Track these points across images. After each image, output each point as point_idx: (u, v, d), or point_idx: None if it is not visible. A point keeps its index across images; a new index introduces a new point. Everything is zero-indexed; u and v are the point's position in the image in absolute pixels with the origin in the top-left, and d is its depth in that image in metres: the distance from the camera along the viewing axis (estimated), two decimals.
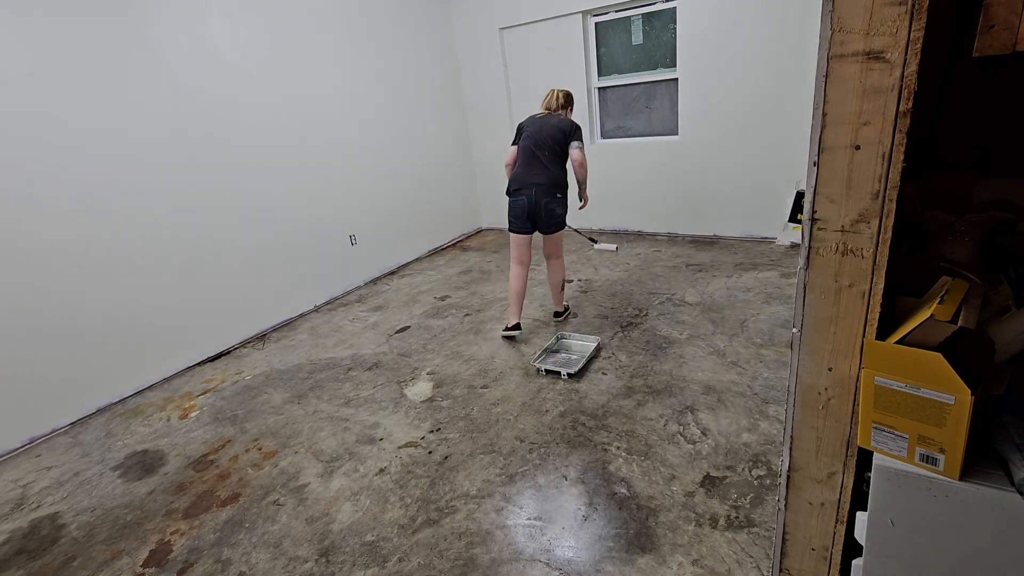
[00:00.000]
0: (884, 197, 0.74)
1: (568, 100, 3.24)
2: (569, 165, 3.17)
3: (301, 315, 4.26)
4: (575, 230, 4.61)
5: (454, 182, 5.84)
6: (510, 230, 3.23)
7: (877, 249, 0.77)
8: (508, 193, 3.17)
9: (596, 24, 4.96)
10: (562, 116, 3.15)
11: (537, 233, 3.25)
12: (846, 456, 0.92)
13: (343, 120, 4.48)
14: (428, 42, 5.28)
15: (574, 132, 3.09)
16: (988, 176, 0.93)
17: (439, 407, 2.74)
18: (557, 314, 3.50)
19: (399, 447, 2.47)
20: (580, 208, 3.42)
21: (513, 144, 3.24)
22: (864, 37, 0.69)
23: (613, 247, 4.72)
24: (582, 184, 3.24)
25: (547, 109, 3.20)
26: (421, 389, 2.94)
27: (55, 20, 2.81)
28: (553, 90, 3.24)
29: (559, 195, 3.11)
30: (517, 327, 3.28)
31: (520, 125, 3.22)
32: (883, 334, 0.80)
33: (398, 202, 5.11)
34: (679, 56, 4.55)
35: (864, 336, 0.82)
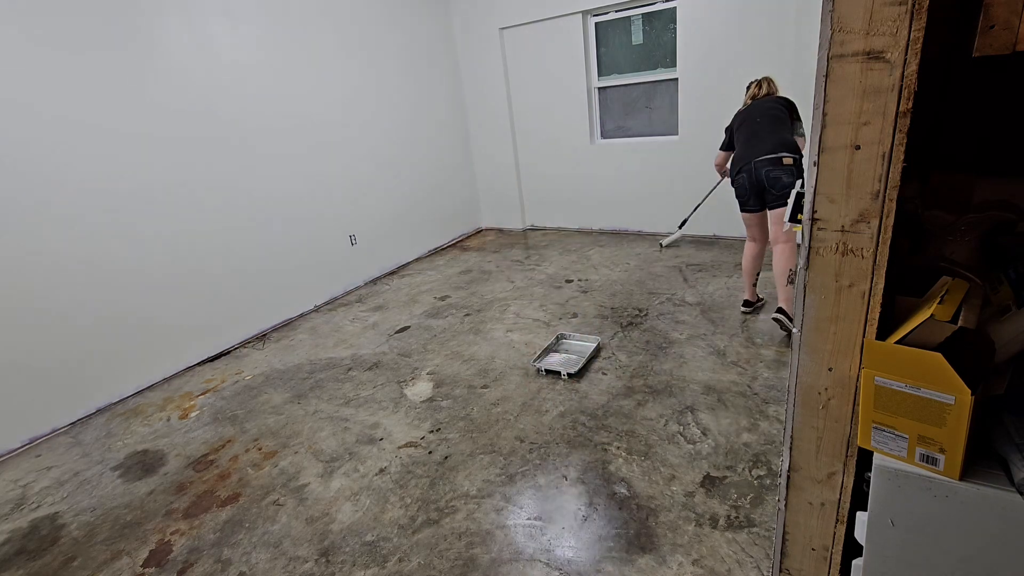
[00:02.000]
0: (884, 197, 0.74)
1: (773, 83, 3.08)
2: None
3: (301, 315, 4.26)
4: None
5: (454, 182, 5.84)
6: (741, 210, 3.07)
7: (877, 249, 0.77)
8: (731, 181, 3.05)
9: (596, 24, 4.96)
10: (779, 101, 2.95)
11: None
12: (846, 456, 0.92)
13: (343, 120, 4.48)
14: (428, 42, 5.28)
15: (795, 111, 2.91)
16: (988, 176, 0.93)
17: (439, 407, 2.74)
18: (779, 310, 2.96)
19: (399, 447, 2.47)
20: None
21: (722, 149, 3.17)
22: (864, 37, 0.69)
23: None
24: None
25: (752, 99, 3.04)
26: (421, 389, 2.94)
27: (56, 21, 2.81)
28: (765, 80, 3.07)
29: (784, 161, 2.74)
30: (748, 303, 3.22)
31: (729, 127, 3.12)
32: (883, 334, 0.80)
33: (398, 202, 5.11)
34: (679, 56, 4.55)
35: (864, 336, 0.82)
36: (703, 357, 2.88)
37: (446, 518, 2.01)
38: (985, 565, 0.75)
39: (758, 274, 3.14)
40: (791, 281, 2.85)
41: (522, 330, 3.48)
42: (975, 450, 0.76)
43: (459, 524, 1.98)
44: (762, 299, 3.30)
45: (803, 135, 2.86)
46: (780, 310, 2.93)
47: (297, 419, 2.80)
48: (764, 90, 3.02)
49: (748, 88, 3.09)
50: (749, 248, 3.11)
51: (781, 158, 2.73)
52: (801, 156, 2.78)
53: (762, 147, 2.80)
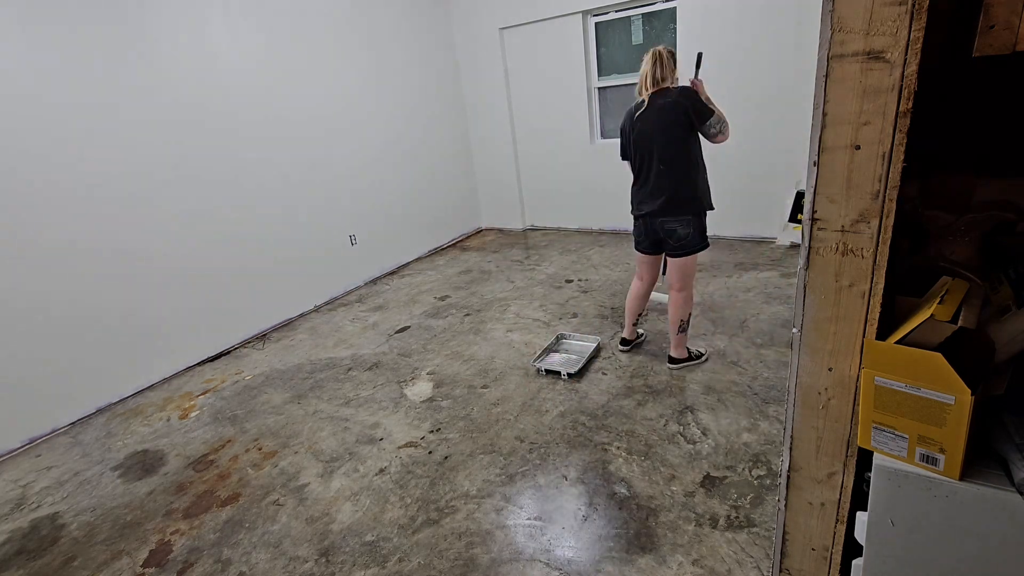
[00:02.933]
0: (884, 197, 0.74)
1: (672, 57, 2.47)
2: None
3: (301, 315, 4.26)
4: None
5: (454, 182, 5.84)
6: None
7: (877, 249, 0.77)
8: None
9: (596, 24, 4.96)
10: (671, 95, 2.40)
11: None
12: (846, 456, 0.92)
13: (343, 120, 4.48)
14: (428, 42, 5.28)
15: (696, 105, 2.36)
16: (988, 176, 0.93)
17: (439, 407, 2.74)
18: (672, 360, 2.80)
19: (399, 447, 2.47)
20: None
21: (624, 158, 2.70)
22: (864, 37, 0.69)
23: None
24: (725, 127, 2.46)
25: (647, 89, 2.46)
26: (421, 389, 2.94)
27: (57, 20, 2.81)
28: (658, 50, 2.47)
29: (680, 216, 2.51)
30: (626, 342, 3.01)
31: (623, 128, 2.65)
32: (883, 334, 0.80)
33: (398, 202, 5.11)
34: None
35: (864, 336, 0.82)
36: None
37: (446, 518, 2.01)
38: (985, 565, 0.75)
39: (639, 314, 2.92)
40: (682, 330, 2.71)
41: (522, 330, 3.48)
42: (975, 450, 0.76)
43: (459, 524, 1.98)
44: (642, 335, 3.10)
45: (718, 132, 2.41)
46: (671, 359, 2.79)
47: (297, 419, 2.80)
48: (660, 75, 2.43)
49: (642, 66, 2.48)
50: (635, 287, 2.87)
51: (675, 212, 2.51)
52: (699, 201, 2.52)
53: (657, 201, 2.51)
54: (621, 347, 3.00)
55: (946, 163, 0.93)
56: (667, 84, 2.47)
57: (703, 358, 2.84)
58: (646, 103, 2.48)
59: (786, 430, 0.98)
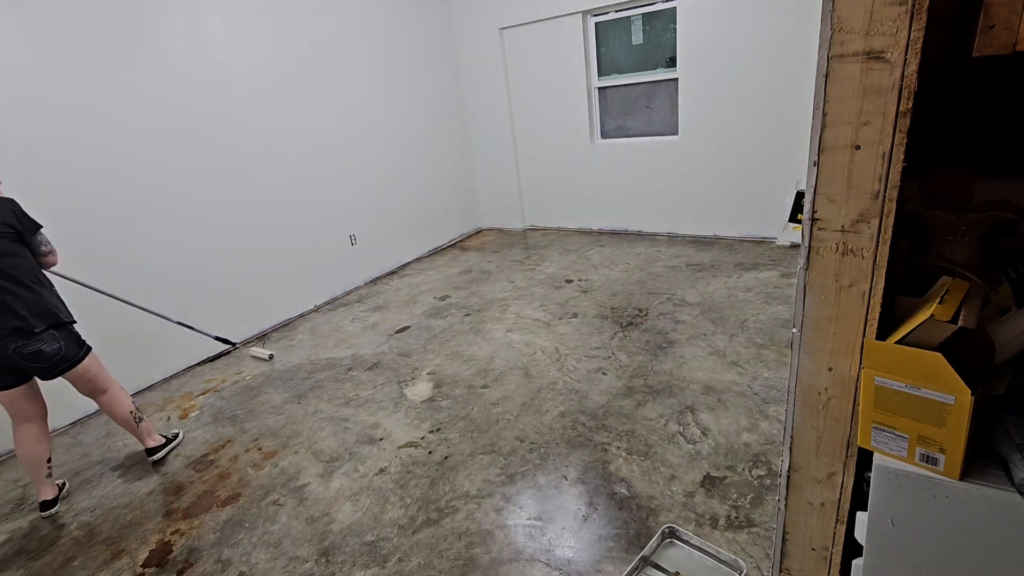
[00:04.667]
0: (884, 197, 0.74)
1: None
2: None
3: (301, 315, 4.26)
4: (186, 326, 3.21)
5: (454, 182, 5.84)
6: None
7: (877, 249, 0.77)
8: None
9: (596, 24, 4.95)
10: None
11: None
12: (846, 456, 0.92)
13: (342, 120, 4.48)
14: (428, 42, 5.28)
15: (22, 218, 2.14)
16: (988, 176, 0.93)
17: (439, 407, 2.74)
18: (150, 451, 2.55)
19: (399, 447, 2.47)
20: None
21: None
22: (864, 37, 0.69)
23: (266, 355, 3.51)
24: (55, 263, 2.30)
25: None
26: (421, 389, 2.94)
27: (57, 20, 2.81)
28: None
29: (36, 330, 2.11)
30: (48, 504, 2.30)
31: None
32: (883, 334, 0.80)
33: (398, 202, 5.11)
34: (679, 56, 4.55)
35: (864, 336, 0.82)
36: (703, 357, 2.88)
37: (446, 518, 2.01)
38: (985, 565, 0.75)
39: (48, 461, 2.31)
40: (139, 420, 2.50)
41: (522, 330, 3.48)
42: (975, 450, 0.75)
43: (459, 524, 1.98)
44: (63, 483, 2.46)
45: (48, 251, 2.24)
46: (148, 451, 2.54)
47: (297, 419, 2.80)
48: None
49: None
50: (21, 433, 2.24)
51: (31, 329, 2.10)
52: (61, 317, 2.21)
53: (4, 322, 2.06)
54: (43, 512, 2.29)
55: (946, 163, 0.93)
56: None
57: (179, 437, 2.70)
58: None
59: (786, 430, 0.98)
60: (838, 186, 0.78)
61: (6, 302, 2.07)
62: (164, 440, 2.62)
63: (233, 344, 3.52)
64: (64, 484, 2.47)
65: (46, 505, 2.30)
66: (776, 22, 4.06)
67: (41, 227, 2.21)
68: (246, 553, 1.97)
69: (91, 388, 2.37)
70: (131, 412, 2.48)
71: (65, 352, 2.21)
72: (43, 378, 2.23)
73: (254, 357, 3.59)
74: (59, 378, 2.28)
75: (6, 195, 2.20)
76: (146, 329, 3.30)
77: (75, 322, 2.32)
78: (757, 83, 4.28)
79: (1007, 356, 0.80)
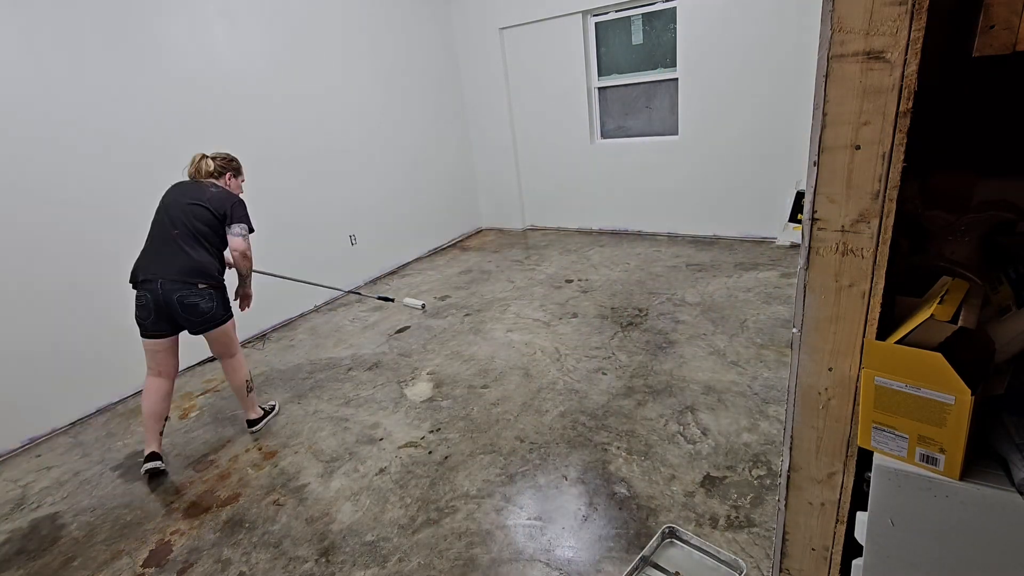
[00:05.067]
0: (884, 197, 0.74)
1: (227, 166, 2.56)
2: (227, 253, 2.50)
3: (301, 315, 4.26)
4: (353, 292, 3.95)
5: (454, 182, 5.84)
6: (141, 335, 2.40)
7: (877, 249, 0.77)
8: (132, 284, 2.39)
9: (596, 24, 4.96)
10: (217, 187, 2.46)
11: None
12: (846, 456, 0.92)
13: (342, 120, 4.48)
14: (428, 42, 5.28)
15: (234, 210, 2.40)
16: (988, 176, 0.93)
17: (439, 407, 2.74)
18: (251, 423, 2.71)
19: (399, 447, 2.47)
20: (240, 307, 2.69)
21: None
22: (864, 37, 0.69)
23: (419, 304, 3.90)
24: (244, 279, 2.57)
25: (194, 176, 2.52)
26: (421, 389, 2.94)
27: (57, 17, 2.81)
28: (200, 155, 2.53)
29: (201, 285, 2.34)
30: (154, 456, 2.43)
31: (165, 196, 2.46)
32: (883, 334, 0.80)
33: (398, 202, 5.11)
34: (679, 56, 4.55)
35: (864, 336, 0.82)
36: (703, 357, 2.88)
37: (446, 518, 2.01)
38: (985, 565, 0.75)
39: (166, 419, 2.49)
40: (250, 390, 2.65)
41: (522, 330, 3.48)
42: (975, 450, 0.75)
43: (459, 524, 1.98)
44: (268, 411, 2.82)
45: (242, 233, 2.42)
46: (249, 422, 2.70)
47: (297, 419, 2.80)
48: (204, 171, 2.50)
49: (192, 161, 2.55)
50: (152, 385, 2.44)
51: (196, 283, 2.33)
52: (219, 280, 2.43)
53: (171, 266, 2.30)
54: (147, 464, 2.41)
55: (946, 163, 0.93)
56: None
57: (276, 410, 2.86)
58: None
59: (786, 430, 0.98)
60: (838, 186, 0.78)
61: (187, 252, 2.32)
62: (263, 412, 2.76)
63: (391, 299, 3.87)
64: (269, 413, 2.79)
65: (152, 456, 2.42)
66: (776, 22, 4.06)
67: (247, 226, 2.44)
68: (246, 553, 1.97)
69: (224, 350, 2.55)
70: (247, 380, 2.63)
71: (215, 311, 2.41)
72: (191, 331, 2.42)
73: (407, 306, 3.94)
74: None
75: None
76: None
77: (225, 288, 2.49)
78: (757, 83, 4.28)
79: (1007, 356, 0.80)
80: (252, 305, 2.72)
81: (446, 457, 2.35)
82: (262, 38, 3.82)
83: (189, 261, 2.32)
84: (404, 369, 3.18)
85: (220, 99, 3.58)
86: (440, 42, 5.44)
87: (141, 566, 1.97)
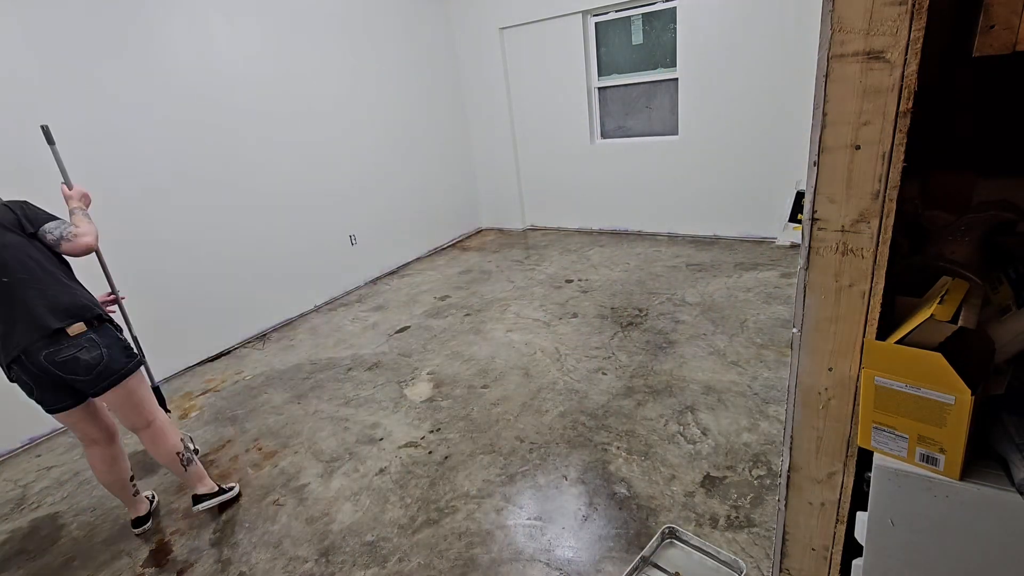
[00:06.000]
0: (884, 197, 0.74)
1: None
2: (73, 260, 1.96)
3: (301, 315, 4.26)
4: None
5: (454, 182, 5.84)
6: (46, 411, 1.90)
7: (877, 249, 0.77)
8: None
9: (596, 24, 4.95)
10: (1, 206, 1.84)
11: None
12: (846, 456, 0.92)
13: (342, 120, 4.48)
14: (428, 42, 5.28)
15: (27, 209, 1.84)
16: (988, 176, 0.93)
17: (439, 407, 2.74)
18: (198, 498, 2.14)
19: (399, 447, 2.47)
20: (111, 302, 2.17)
21: None
22: (864, 37, 0.69)
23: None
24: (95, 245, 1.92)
25: None
26: (421, 389, 2.94)
27: (56, 16, 2.81)
28: None
29: (70, 329, 1.77)
30: (140, 521, 2.14)
31: None
32: (883, 334, 0.80)
33: (398, 202, 5.11)
34: (679, 56, 4.55)
35: (864, 336, 0.82)
36: (703, 357, 2.88)
37: (446, 518, 2.01)
38: (985, 565, 0.75)
39: (132, 479, 2.11)
40: (187, 462, 2.09)
41: (522, 330, 3.48)
42: (975, 450, 0.76)
43: (459, 524, 1.98)
44: (152, 496, 2.29)
45: (60, 237, 1.85)
46: (197, 497, 2.14)
47: (297, 419, 2.80)
48: None
49: None
50: (92, 457, 2.01)
51: (62, 329, 1.75)
52: (95, 310, 1.85)
53: (21, 325, 1.72)
54: (136, 530, 2.13)
55: (946, 163, 0.93)
56: None
57: (235, 492, 2.26)
58: None
59: (786, 430, 0.98)
60: (838, 186, 0.78)
61: (25, 299, 1.72)
62: (216, 489, 2.18)
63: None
64: (153, 497, 2.28)
65: (139, 522, 2.12)
66: (776, 22, 4.06)
67: (52, 218, 1.87)
68: (246, 553, 1.97)
69: (134, 416, 1.97)
70: (178, 453, 2.05)
71: (109, 360, 1.82)
72: (90, 393, 1.87)
73: None
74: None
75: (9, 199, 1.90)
76: (146, 328, 3.30)
77: (115, 324, 1.94)
78: (757, 83, 4.28)
79: (1007, 356, 0.80)
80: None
81: (446, 457, 2.35)
82: (261, 38, 3.82)
83: (38, 306, 1.72)
84: (404, 369, 3.18)
85: (220, 100, 3.58)
86: (440, 42, 5.44)
87: (141, 566, 1.97)
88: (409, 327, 3.77)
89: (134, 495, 2.12)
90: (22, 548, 2.14)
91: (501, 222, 6.21)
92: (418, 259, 5.41)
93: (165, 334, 3.39)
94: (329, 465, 2.40)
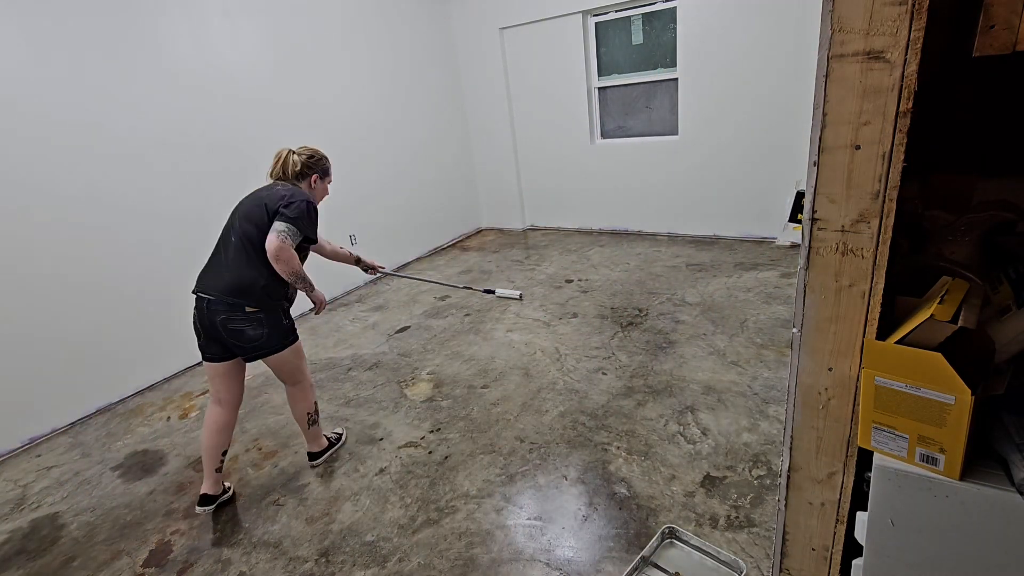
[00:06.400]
0: (884, 197, 0.74)
1: (314, 166, 2.23)
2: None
3: (301, 315, 4.26)
4: (463, 287, 3.38)
5: (454, 182, 5.84)
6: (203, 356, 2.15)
7: (877, 249, 0.77)
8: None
9: (596, 24, 4.96)
10: (289, 188, 2.11)
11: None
12: (846, 456, 0.92)
13: (342, 120, 4.48)
14: (428, 42, 5.28)
15: (288, 207, 2.00)
16: (988, 176, 0.93)
17: (439, 407, 2.74)
18: (313, 455, 2.40)
19: (399, 447, 2.47)
20: (315, 313, 2.44)
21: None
22: (864, 37, 0.69)
23: (516, 294, 3.38)
24: (296, 282, 2.07)
25: (279, 175, 2.22)
26: (421, 389, 2.94)
27: (55, 17, 2.81)
28: (286, 151, 2.21)
29: (247, 308, 2.00)
30: (206, 500, 2.16)
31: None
32: (883, 334, 0.80)
33: (398, 202, 5.11)
34: (679, 56, 4.55)
35: (864, 336, 0.82)
36: (703, 357, 2.88)
37: (446, 518, 2.01)
38: (985, 565, 0.75)
39: (224, 453, 2.19)
40: (313, 423, 2.34)
41: (522, 330, 3.48)
42: (975, 450, 0.75)
43: (459, 524, 1.98)
44: (229, 488, 2.29)
45: (283, 230, 1.97)
46: (311, 455, 2.40)
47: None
48: (289, 169, 2.20)
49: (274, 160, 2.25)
50: (209, 416, 2.16)
51: (242, 306, 1.99)
52: (272, 301, 2.06)
53: (219, 281, 2.00)
54: (199, 508, 2.15)
55: (946, 163, 0.93)
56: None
57: (343, 439, 2.54)
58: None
59: (786, 430, 0.98)
60: (838, 186, 0.78)
61: (236, 266, 2.00)
62: (327, 444, 2.45)
63: (493, 291, 3.19)
64: (230, 488, 2.30)
65: (204, 500, 2.16)
66: (776, 22, 4.06)
67: (293, 227, 1.98)
68: (246, 553, 1.97)
69: (285, 377, 2.24)
70: (309, 413, 2.32)
71: (266, 339, 2.07)
72: (243, 358, 2.13)
73: (505, 297, 3.65)
74: None
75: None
76: (146, 330, 3.30)
77: (288, 316, 2.17)
78: (757, 83, 4.28)
79: (1007, 356, 0.80)
80: (326, 309, 2.36)
81: (446, 457, 2.35)
82: (261, 38, 3.82)
83: (235, 278, 1.99)
84: (404, 369, 3.18)
85: (220, 99, 3.58)
86: (440, 42, 5.44)
87: (141, 566, 1.97)
88: (409, 327, 3.77)
89: (216, 470, 2.19)
90: (22, 548, 2.14)
91: (501, 222, 6.21)
92: (418, 259, 5.41)
93: (165, 334, 3.39)
94: (329, 465, 2.40)
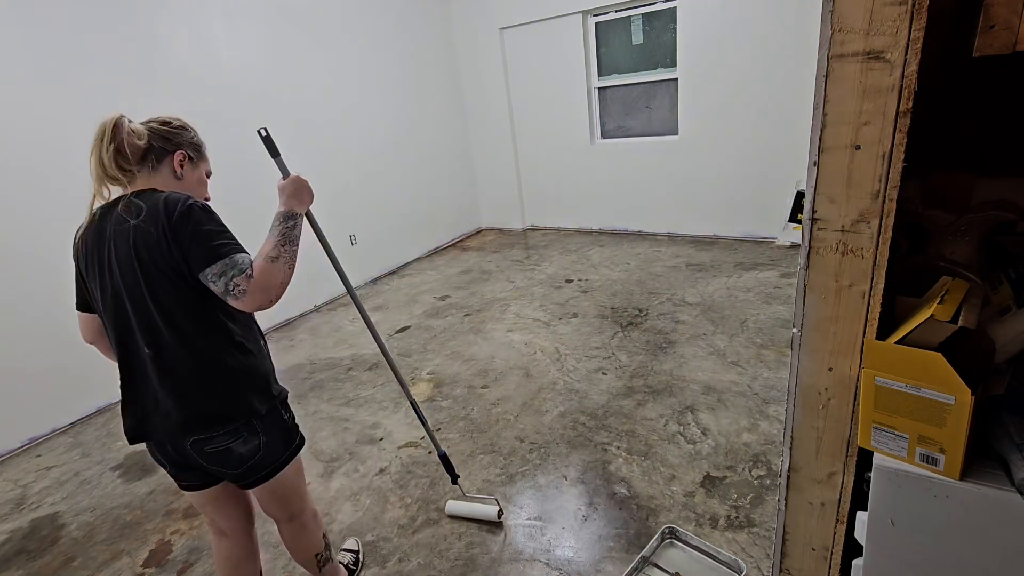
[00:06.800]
0: (884, 197, 0.74)
1: (169, 137, 1.37)
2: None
3: (301, 315, 4.26)
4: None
5: (454, 182, 5.84)
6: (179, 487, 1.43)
7: (877, 249, 0.77)
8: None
9: (596, 24, 4.95)
10: (148, 203, 1.25)
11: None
12: (846, 456, 0.92)
13: (342, 120, 4.48)
14: (428, 42, 5.28)
15: (189, 234, 1.22)
16: (988, 176, 0.93)
17: (439, 407, 2.74)
18: None
19: (399, 447, 2.47)
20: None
21: (79, 308, 1.54)
22: (864, 37, 0.69)
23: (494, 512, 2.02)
24: (288, 260, 1.41)
25: (104, 164, 1.27)
26: (421, 389, 2.94)
27: (54, 17, 2.81)
28: (112, 122, 1.25)
29: (224, 425, 1.27)
30: None
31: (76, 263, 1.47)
32: (883, 334, 0.80)
33: (398, 202, 5.11)
34: (679, 56, 4.55)
35: (864, 336, 0.82)
36: (703, 357, 2.88)
37: (446, 518, 2.01)
38: (985, 565, 0.75)
39: None
40: (325, 561, 1.62)
41: (522, 330, 3.48)
42: (975, 450, 0.75)
43: (459, 524, 1.98)
44: (359, 551, 1.92)
45: (228, 289, 1.20)
46: None
47: (297, 419, 2.79)
48: (109, 149, 1.25)
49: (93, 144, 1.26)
50: (218, 551, 1.53)
51: (215, 423, 1.26)
52: (250, 381, 1.32)
53: (164, 419, 1.26)
54: None
55: (946, 163, 0.93)
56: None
57: (359, 559, 1.89)
58: (97, 218, 1.35)
59: (786, 430, 0.98)
60: (838, 186, 0.78)
61: (178, 382, 1.26)
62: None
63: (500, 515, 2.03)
64: (358, 550, 1.90)
65: None
66: (776, 22, 4.06)
67: (213, 245, 1.25)
68: None
69: (282, 509, 1.48)
70: (317, 555, 1.60)
71: (266, 453, 1.34)
72: (243, 486, 1.40)
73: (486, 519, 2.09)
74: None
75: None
76: None
77: (288, 409, 1.48)
78: (757, 83, 4.28)
79: (1007, 356, 0.80)
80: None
81: None
82: (261, 37, 3.82)
83: (196, 403, 1.26)
84: (404, 369, 3.18)
85: (220, 99, 3.58)
86: (440, 42, 5.43)
87: (141, 566, 1.97)
88: (409, 327, 3.77)
89: None
90: (22, 548, 2.14)
91: (501, 222, 6.21)
92: (418, 259, 5.41)
93: None
94: (329, 465, 2.40)
